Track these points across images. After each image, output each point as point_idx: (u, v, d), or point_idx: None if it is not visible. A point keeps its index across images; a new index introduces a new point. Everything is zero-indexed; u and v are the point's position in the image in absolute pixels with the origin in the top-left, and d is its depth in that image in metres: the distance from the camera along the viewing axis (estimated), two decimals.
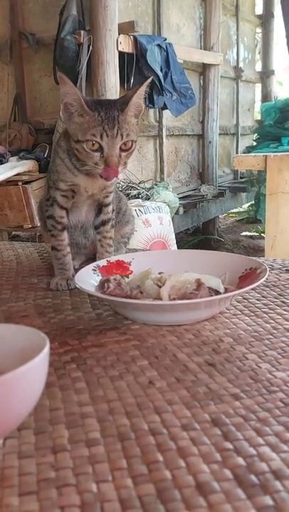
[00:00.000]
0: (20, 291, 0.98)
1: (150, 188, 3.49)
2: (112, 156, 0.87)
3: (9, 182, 3.10)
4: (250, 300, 0.89)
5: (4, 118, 3.85)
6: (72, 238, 1.05)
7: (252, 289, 0.90)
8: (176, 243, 3.47)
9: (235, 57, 5.58)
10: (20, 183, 3.09)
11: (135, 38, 3.43)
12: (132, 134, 0.90)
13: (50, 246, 1.03)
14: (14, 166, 3.16)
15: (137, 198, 3.27)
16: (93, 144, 0.87)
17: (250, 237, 5.27)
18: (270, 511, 0.40)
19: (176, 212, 3.83)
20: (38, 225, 1.93)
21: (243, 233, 5.47)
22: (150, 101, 3.60)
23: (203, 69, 4.76)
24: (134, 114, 0.92)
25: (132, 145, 0.90)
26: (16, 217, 3.13)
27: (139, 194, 3.35)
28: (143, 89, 0.91)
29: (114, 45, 3.26)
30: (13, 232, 4.04)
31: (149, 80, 0.94)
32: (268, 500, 0.41)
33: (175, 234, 3.49)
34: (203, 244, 4.77)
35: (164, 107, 3.78)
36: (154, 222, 3.17)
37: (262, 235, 4.78)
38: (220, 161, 5.18)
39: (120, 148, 0.89)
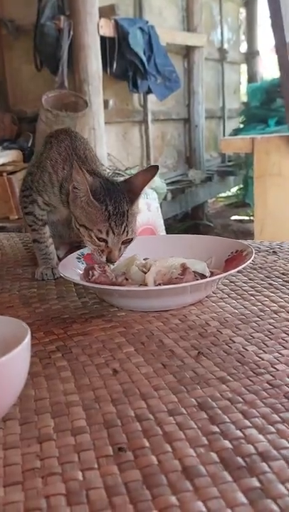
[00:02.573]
0: (4, 282, 0.97)
1: None
2: (115, 250, 0.84)
3: None
4: (236, 283, 0.88)
5: None
6: (55, 231, 1.03)
7: (239, 272, 0.90)
8: (165, 230, 3.46)
9: (220, 39, 5.54)
10: (5, 174, 3.07)
11: (116, 21, 3.39)
12: (135, 226, 0.87)
13: (31, 239, 1.02)
14: None
15: None
16: (98, 237, 0.84)
17: (240, 221, 5.28)
18: (257, 493, 0.40)
19: (164, 198, 3.82)
20: None
21: (233, 217, 5.48)
22: (134, 85, 3.57)
23: (187, 51, 4.72)
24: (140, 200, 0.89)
25: (133, 238, 0.87)
26: (2, 208, 3.10)
27: None
28: (153, 178, 0.89)
29: (95, 29, 3.21)
30: None
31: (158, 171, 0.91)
32: (254, 482, 0.41)
33: (164, 220, 3.48)
34: (192, 229, 4.76)
35: (149, 91, 3.75)
36: (141, 208, 3.16)
37: (251, 218, 4.79)
38: (207, 145, 5.16)
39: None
